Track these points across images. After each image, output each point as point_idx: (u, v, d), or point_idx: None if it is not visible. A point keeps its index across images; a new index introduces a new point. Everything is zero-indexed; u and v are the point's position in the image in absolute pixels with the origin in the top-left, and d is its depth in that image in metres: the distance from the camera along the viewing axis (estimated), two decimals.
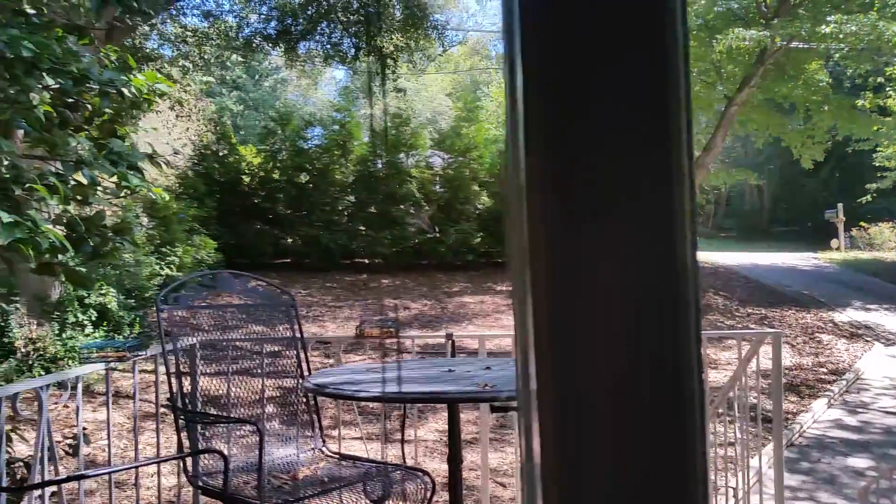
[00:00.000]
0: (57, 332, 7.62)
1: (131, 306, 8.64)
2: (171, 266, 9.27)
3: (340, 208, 12.52)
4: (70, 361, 7.42)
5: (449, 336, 3.50)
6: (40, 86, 3.07)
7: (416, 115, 15.89)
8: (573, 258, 0.52)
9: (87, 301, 8.03)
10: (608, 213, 0.53)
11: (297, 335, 3.71)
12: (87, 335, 7.85)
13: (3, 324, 7.18)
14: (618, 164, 0.56)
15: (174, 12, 10.98)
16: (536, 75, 0.60)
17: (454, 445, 2.43)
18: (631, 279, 0.50)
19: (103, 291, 8.01)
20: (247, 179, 12.36)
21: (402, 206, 12.60)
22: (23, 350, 7.27)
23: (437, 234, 12.41)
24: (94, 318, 8.04)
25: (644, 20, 0.53)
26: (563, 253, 0.54)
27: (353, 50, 12.38)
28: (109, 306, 8.17)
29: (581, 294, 0.48)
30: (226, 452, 2.99)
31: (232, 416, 3.88)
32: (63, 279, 3.73)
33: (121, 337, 8.33)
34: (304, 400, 3.70)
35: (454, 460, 2.43)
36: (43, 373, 7.13)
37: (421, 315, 10.34)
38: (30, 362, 7.12)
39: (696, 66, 12.54)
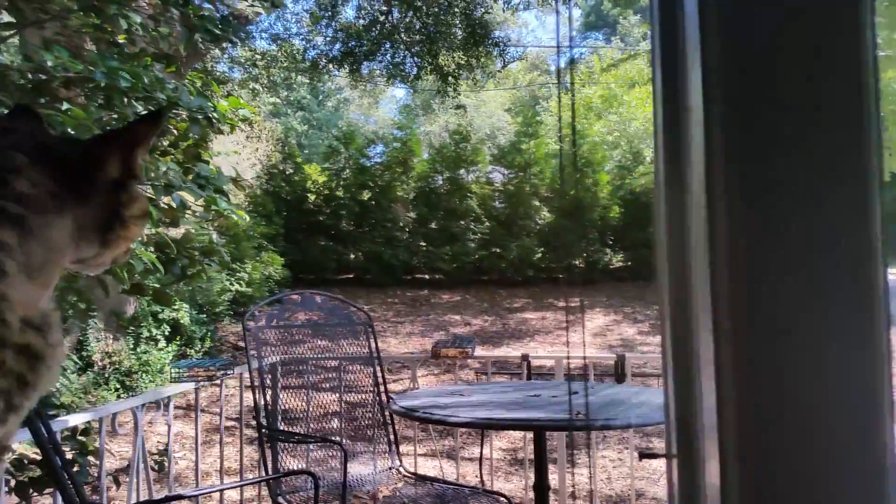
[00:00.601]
0: (132, 346, 7.90)
1: (202, 321, 8.91)
2: (241, 282, 9.53)
3: (402, 224, 12.64)
4: (144, 375, 7.69)
5: (525, 357, 3.47)
6: (134, 114, 3.22)
7: (476, 131, 15.95)
8: (771, 271, 0.50)
9: (160, 316, 8.31)
10: (804, 222, 0.51)
11: (374, 353, 3.75)
12: (161, 349, 8.12)
13: (81, 338, 7.49)
14: (812, 170, 0.54)
15: (243, 36, 11.37)
16: (723, 84, 0.58)
17: (541, 473, 2.40)
18: (831, 289, 0.48)
19: (176, 307, 8.28)
20: (312, 197, 12.63)
21: (462, 222, 12.64)
22: (99, 364, 7.56)
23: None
24: (167, 333, 8.32)
25: (838, 24, 0.52)
26: (758, 265, 0.52)
27: (414, 69, 12.55)
28: (182, 321, 8.44)
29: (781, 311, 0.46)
30: (310, 471, 3.04)
31: (309, 432, 3.93)
32: (150, 298, 3.87)
33: (192, 350, 8.60)
34: (381, 419, 3.73)
35: (541, 488, 2.40)
36: (118, 386, 7.40)
37: (482, 331, 10.32)
38: (106, 376, 7.40)
39: None
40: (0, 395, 0.66)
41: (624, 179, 13.58)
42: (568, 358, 3.70)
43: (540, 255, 12.59)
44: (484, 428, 3.08)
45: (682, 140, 0.69)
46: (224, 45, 10.17)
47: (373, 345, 3.83)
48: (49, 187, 0.72)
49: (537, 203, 12.85)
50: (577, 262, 12.97)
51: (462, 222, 12.55)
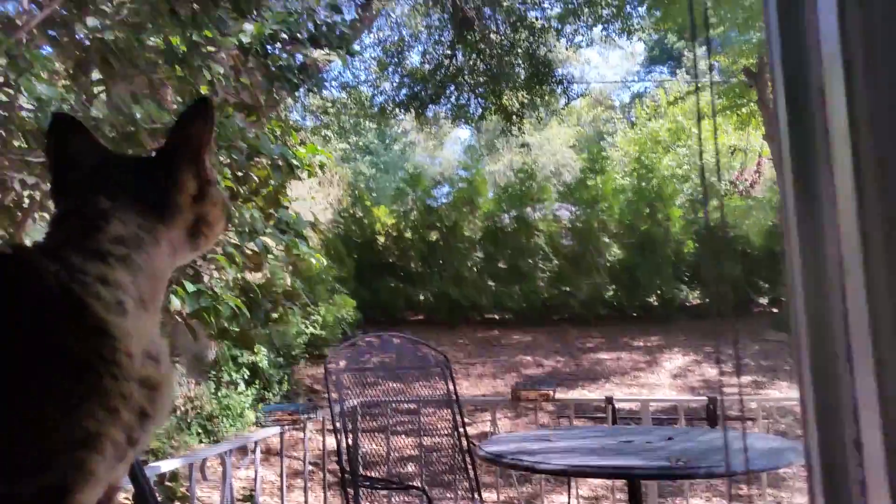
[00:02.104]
0: (213, 390, 8.07)
1: (280, 364, 9.06)
2: (316, 325, 9.68)
3: (469, 264, 12.63)
4: (224, 419, 7.82)
5: (609, 400, 3.35)
6: (222, 157, 3.35)
7: (541, 168, 15.92)
8: None
9: (240, 360, 8.48)
10: None
11: (452, 395, 3.70)
12: (240, 393, 8.27)
13: None
14: None
15: (319, 83, 11.81)
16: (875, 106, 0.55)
17: None
18: None
19: (255, 351, 8.44)
20: (381, 239, 12.81)
21: (530, 260, 12.52)
22: (182, 408, 7.74)
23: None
24: (246, 377, 8.48)
25: None
26: None
27: (478, 109, 12.69)
28: (260, 365, 8.59)
29: None
30: None
31: (388, 476, 3.88)
32: (233, 342, 3.95)
33: (270, 394, 8.73)
34: (461, 463, 3.65)
35: None
36: (200, 430, 7.55)
37: (555, 372, 10.10)
38: (188, 420, 7.56)
39: None
40: (123, 429, 0.65)
41: (697, 213, 13.20)
42: (651, 400, 3.57)
43: (612, 292, 12.30)
44: (578, 476, 2.96)
45: (815, 163, 0.69)
46: (300, 92, 10.59)
47: (451, 387, 3.78)
48: (139, 223, 0.75)
49: (607, 239, 12.61)
50: (651, 300, 12.61)
51: (530, 260, 12.44)
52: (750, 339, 10.91)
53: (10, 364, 0.61)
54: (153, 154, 0.86)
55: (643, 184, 12.93)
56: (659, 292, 12.45)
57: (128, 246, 0.73)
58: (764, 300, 13.25)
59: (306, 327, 9.48)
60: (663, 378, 9.32)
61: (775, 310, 12.73)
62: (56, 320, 0.64)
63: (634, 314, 12.55)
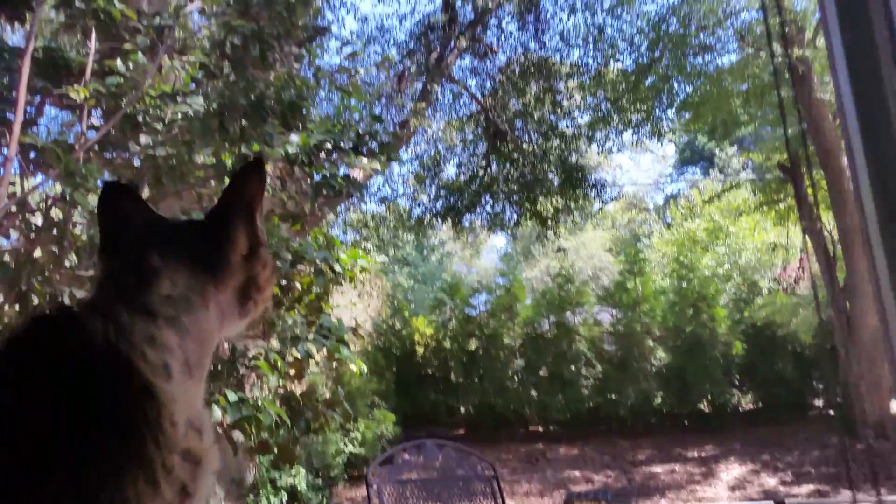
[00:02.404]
0: None
1: (318, 486, 8.72)
2: (355, 442, 9.40)
3: (510, 373, 12.34)
4: None
5: None
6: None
7: (578, 272, 15.84)
8: None
9: (278, 483, 8.19)
10: None
11: None
12: None
13: None
14: None
15: (355, 201, 12.19)
16: None
17: None
18: None
19: (293, 472, 8.16)
20: (420, 350, 12.67)
21: (573, 367, 12.18)
22: None
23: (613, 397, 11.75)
24: (284, 501, 8.16)
25: None
26: None
27: (514, 216, 12.85)
28: (299, 487, 8.27)
29: None
30: None
31: None
32: (274, 456, 3.80)
33: None
34: None
35: None
36: None
37: (606, 489, 9.52)
38: None
39: None
40: None
41: (743, 313, 12.85)
42: None
43: (661, 399, 11.81)
44: None
45: None
46: (341, 207, 10.92)
47: (500, 501, 3.55)
48: (190, 282, 0.72)
49: (651, 343, 12.27)
50: (702, 406, 12.05)
51: (573, 367, 12.09)
52: (809, 445, 10.25)
53: (53, 424, 0.56)
54: (206, 215, 0.83)
55: (684, 284, 12.72)
56: (710, 397, 11.92)
57: (177, 306, 0.69)
58: (820, 402, 12.59)
59: (345, 445, 9.20)
60: (721, 491, 8.71)
61: (832, 412, 12.03)
62: (101, 380, 0.59)
63: (686, 422, 11.95)
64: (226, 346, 3.92)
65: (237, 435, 3.26)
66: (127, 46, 3.39)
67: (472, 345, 12.51)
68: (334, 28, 11.01)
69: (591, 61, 12.13)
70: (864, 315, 9.93)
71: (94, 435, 0.56)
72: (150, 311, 0.66)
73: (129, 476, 0.56)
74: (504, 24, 12.41)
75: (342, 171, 4.06)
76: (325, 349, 3.60)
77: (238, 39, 3.67)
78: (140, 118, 3.33)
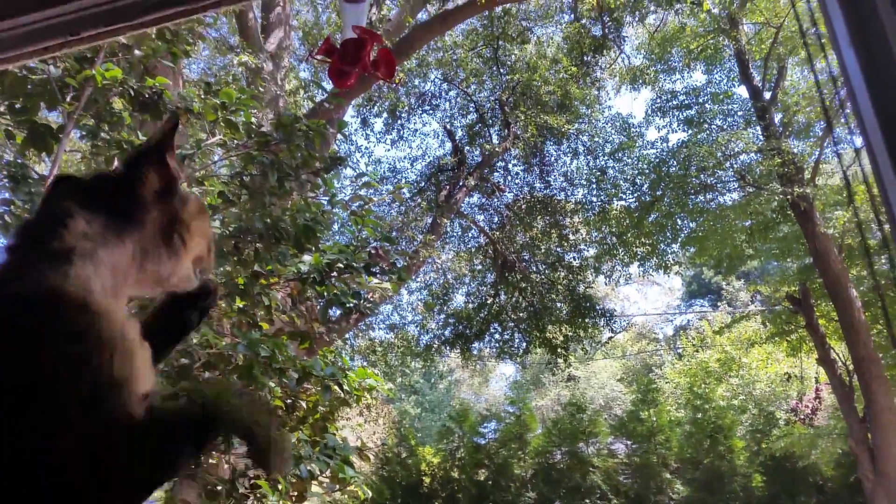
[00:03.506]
0: None
1: None
2: None
3: None
4: None
5: None
6: (272, 384, 3.40)
7: (589, 402, 15.52)
8: None
9: None
10: None
11: None
12: None
13: None
14: None
15: (363, 328, 12.27)
16: None
17: None
18: None
19: None
20: (427, 480, 12.21)
21: (587, 501, 11.66)
22: None
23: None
24: None
25: None
26: None
27: (523, 345, 12.82)
28: None
29: None
30: None
31: None
32: None
33: None
34: None
35: None
36: None
37: None
38: None
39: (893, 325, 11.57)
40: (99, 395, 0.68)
41: (760, 444, 12.44)
42: None
43: None
44: None
45: None
46: (349, 335, 10.98)
47: None
48: (105, 221, 0.80)
49: (668, 475, 11.80)
50: None
51: (587, 501, 11.57)
52: None
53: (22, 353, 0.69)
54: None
55: (699, 415, 12.44)
56: None
57: (94, 241, 0.77)
58: None
59: None
60: None
61: None
62: (43, 308, 0.72)
63: None
64: (225, 466, 3.89)
65: None
66: None
67: (482, 475, 12.08)
68: (348, 170, 11.62)
69: (594, 199, 12.63)
70: (887, 446, 9.62)
71: (54, 348, 0.69)
72: (63, 250, 0.75)
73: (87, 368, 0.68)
74: (510, 166, 13.12)
75: (354, 289, 4.18)
76: (328, 469, 3.56)
77: (256, 169, 3.91)
78: None
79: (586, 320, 12.51)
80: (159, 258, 0.86)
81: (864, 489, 10.04)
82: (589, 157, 12.74)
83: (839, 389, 10.59)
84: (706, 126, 11.57)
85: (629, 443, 12.38)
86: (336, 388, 3.54)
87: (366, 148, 16.71)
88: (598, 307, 12.96)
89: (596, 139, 12.66)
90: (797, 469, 11.86)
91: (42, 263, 0.75)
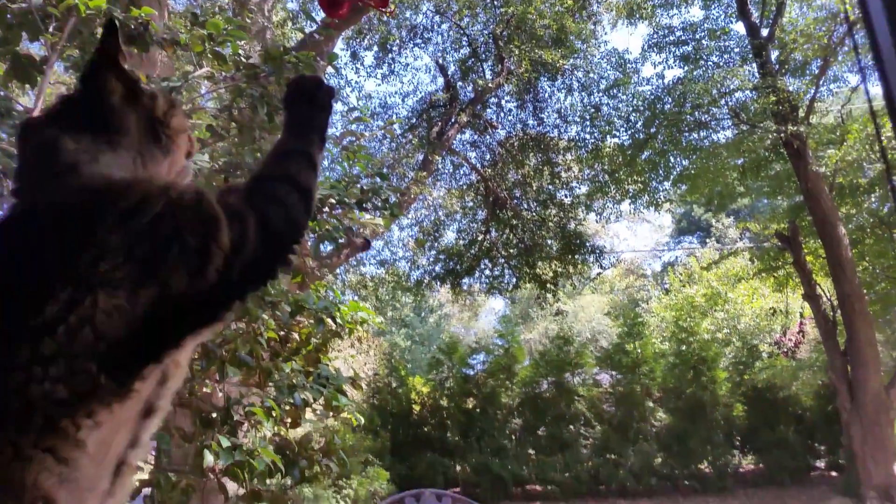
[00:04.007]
0: None
1: None
2: (347, 499, 9.27)
3: (508, 433, 12.22)
4: None
5: None
6: (266, 316, 3.46)
7: (577, 335, 15.85)
8: None
9: None
10: None
11: None
12: None
13: None
14: None
15: (354, 263, 12.36)
16: None
17: None
18: None
19: None
20: (417, 409, 12.58)
21: (571, 427, 12.09)
22: None
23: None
24: None
25: None
26: None
27: (512, 280, 12.97)
28: None
29: None
30: None
31: None
32: None
33: None
34: None
35: None
36: None
37: None
38: None
39: (878, 263, 11.77)
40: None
41: (743, 376, 12.84)
42: None
43: (661, 460, 11.67)
44: None
45: None
46: (340, 270, 11.05)
47: None
48: (91, 136, 0.83)
49: (651, 404, 12.22)
50: (703, 467, 11.90)
51: (572, 427, 12.01)
52: None
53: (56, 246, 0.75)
54: None
55: (684, 347, 12.76)
56: (710, 458, 11.81)
57: (89, 153, 0.81)
58: (822, 464, 12.47)
59: (337, 502, 9.08)
60: None
61: (835, 474, 11.90)
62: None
63: (687, 483, 11.78)
64: (220, 394, 4.00)
65: (229, 483, 3.29)
66: None
67: (470, 404, 12.44)
68: (339, 105, 11.42)
69: (588, 137, 12.53)
70: (865, 379, 9.97)
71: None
72: (69, 165, 0.79)
73: None
74: (503, 103, 12.91)
75: (346, 224, 4.20)
76: (322, 397, 3.67)
77: (245, 102, 3.86)
78: None
79: (576, 257, 12.63)
80: (156, 159, 0.88)
81: (841, 419, 10.46)
82: (583, 94, 12.57)
83: (823, 324, 10.87)
84: (702, 63, 11.40)
85: (614, 373, 12.74)
86: (329, 320, 3.61)
87: (356, 82, 16.38)
88: (587, 244, 13.08)
89: (591, 75, 12.47)
90: (777, 400, 12.30)
91: (55, 179, 0.78)
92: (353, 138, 4.52)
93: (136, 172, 0.85)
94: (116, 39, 0.91)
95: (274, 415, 3.48)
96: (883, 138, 8.81)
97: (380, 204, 3.76)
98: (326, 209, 3.63)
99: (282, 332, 4.03)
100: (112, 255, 0.72)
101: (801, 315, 14.20)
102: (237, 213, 0.80)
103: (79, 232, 0.74)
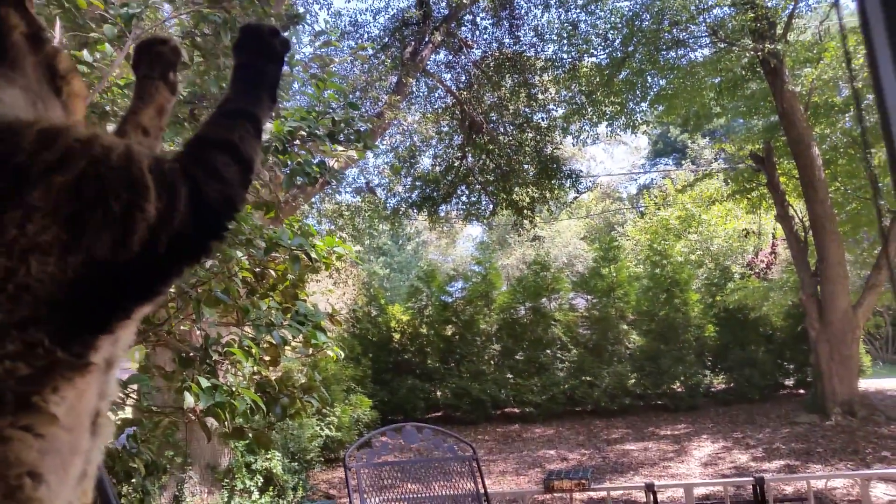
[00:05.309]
0: (226, 499, 7.79)
1: (294, 469, 8.77)
2: (331, 427, 9.45)
3: (487, 357, 12.46)
4: None
5: (650, 487, 3.17)
6: (240, 254, 3.37)
7: (553, 260, 15.99)
8: None
9: (254, 467, 8.23)
10: None
11: (482, 490, 3.54)
12: (255, 501, 7.97)
13: (177, 493, 7.46)
14: None
15: (330, 191, 12.14)
16: None
17: None
18: None
19: (269, 456, 8.21)
20: (397, 336, 12.72)
21: (548, 351, 12.34)
22: None
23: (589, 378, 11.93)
24: (260, 484, 8.19)
25: None
26: None
27: (489, 207, 12.92)
28: (275, 471, 8.32)
29: None
30: None
31: None
32: (249, 442, 3.83)
33: (285, 502, 8.39)
34: None
35: None
36: None
37: (581, 466, 9.69)
38: None
39: (850, 183, 11.87)
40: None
41: (715, 297, 13.11)
42: (696, 484, 3.38)
43: (635, 380, 12.02)
44: None
45: None
46: (315, 198, 10.88)
47: (479, 481, 3.63)
48: None
49: (626, 327, 12.47)
50: (676, 387, 12.30)
51: (549, 351, 12.26)
52: (780, 423, 10.57)
53: None
54: None
55: (657, 270, 12.93)
56: (682, 378, 12.19)
57: None
58: (790, 382, 12.95)
59: (321, 430, 9.24)
60: (693, 467, 8.92)
61: (802, 391, 12.40)
62: None
63: (659, 402, 12.20)
64: (198, 332, 3.94)
65: (211, 421, 3.28)
66: (93, 35, 3.36)
67: (449, 330, 12.60)
68: (307, 23, 10.92)
69: (565, 56, 12.20)
70: (834, 298, 10.23)
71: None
72: None
73: None
74: (479, 20, 12.46)
75: (317, 158, 4.07)
76: (301, 335, 3.62)
77: (209, 29, 3.64)
78: (108, 108, 3.30)
79: (552, 182, 12.58)
80: (55, 107, 0.85)
81: (809, 337, 10.79)
82: (560, 10, 12.17)
83: (794, 245, 11.05)
84: None
85: (589, 297, 12.92)
86: (304, 257, 3.52)
87: (325, 0, 15.67)
88: (564, 168, 13.00)
89: None
90: (748, 320, 12.63)
91: None
92: (322, 64, 4.31)
93: (22, 107, 0.80)
94: None
95: (254, 353, 3.44)
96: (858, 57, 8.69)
97: (352, 135, 3.62)
98: (297, 142, 3.49)
99: (257, 269, 3.94)
100: (38, 214, 0.68)
101: (774, 236, 14.45)
102: (168, 183, 0.74)
103: (1, 185, 0.69)
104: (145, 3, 3.60)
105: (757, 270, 14.00)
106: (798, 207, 11.55)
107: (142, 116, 0.93)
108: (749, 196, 13.22)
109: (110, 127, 3.46)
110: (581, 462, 9.82)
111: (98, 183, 0.70)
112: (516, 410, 12.27)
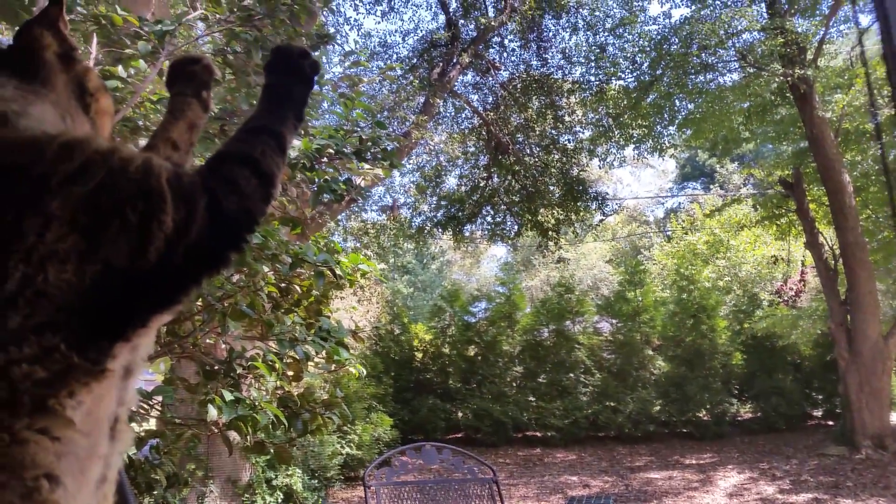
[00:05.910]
0: None
1: (314, 487, 8.76)
2: (352, 445, 9.43)
3: (509, 379, 12.37)
4: None
5: None
6: (266, 269, 3.40)
7: (578, 283, 15.88)
8: None
9: (274, 483, 8.24)
10: None
11: None
12: None
13: None
14: None
15: (356, 209, 12.28)
16: None
17: None
18: None
19: (289, 472, 8.21)
20: (419, 356, 12.70)
21: (572, 374, 12.22)
22: None
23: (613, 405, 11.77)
24: (280, 500, 8.19)
25: None
26: None
27: (514, 227, 12.91)
28: (295, 487, 8.32)
29: None
30: None
31: None
32: (271, 457, 3.84)
33: None
34: None
35: None
36: None
37: (604, 494, 9.53)
38: None
39: (881, 211, 11.66)
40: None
41: (742, 324, 12.90)
42: None
43: (659, 407, 11.83)
44: None
45: None
46: (342, 216, 10.98)
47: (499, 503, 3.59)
48: (17, 84, 0.82)
49: (651, 352, 12.31)
50: (701, 415, 12.08)
51: (572, 374, 12.14)
52: (807, 454, 10.31)
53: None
54: None
55: (684, 295, 12.78)
56: (708, 406, 11.97)
57: (16, 101, 0.79)
58: (818, 412, 12.65)
59: (342, 447, 9.23)
60: (718, 497, 8.72)
61: (831, 422, 12.09)
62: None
63: (684, 430, 11.98)
64: (223, 346, 3.98)
65: (233, 435, 3.30)
66: (128, 52, 3.45)
67: (471, 351, 12.55)
68: (338, 42, 11.11)
69: (592, 78, 12.24)
70: (864, 328, 10.01)
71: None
72: None
73: None
74: (506, 42, 12.57)
75: (344, 176, 4.12)
76: (324, 351, 3.64)
77: (240, 46, 3.72)
78: (140, 123, 3.38)
79: (578, 204, 12.55)
80: (83, 123, 0.87)
81: (839, 368, 10.55)
82: (588, 33, 12.23)
83: (824, 273, 10.85)
84: (710, 2, 11.05)
85: (614, 321, 12.79)
86: (329, 273, 3.55)
87: (355, 20, 15.94)
88: (590, 190, 12.96)
89: (596, 13, 12.10)
90: (776, 348, 12.40)
91: None
92: (351, 84, 4.37)
93: (54, 120, 0.83)
94: (61, 8, 0.90)
95: (276, 368, 3.47)
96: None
97: (379, 154, 3.66)
98: (325, 159, 3.53)
99: (282, 285, 3.98)
100: (56, 223, 0.70)
101: (803, 263, 14.20)
102: (187, 194, 0.75)
103: (23, 194, 0.71)
104: (178, 20, 3.70)
105: (786, 298, 13.76)
106: (828, 235, 11.36)
107: (173, 131, 0.96)
108: (778, 222, 13.04)
109: (142, 141, 3.54)
110: (604, 490, 9.66)
111: (116, 193, 0.72)
112: (538, 434, 12.14)
